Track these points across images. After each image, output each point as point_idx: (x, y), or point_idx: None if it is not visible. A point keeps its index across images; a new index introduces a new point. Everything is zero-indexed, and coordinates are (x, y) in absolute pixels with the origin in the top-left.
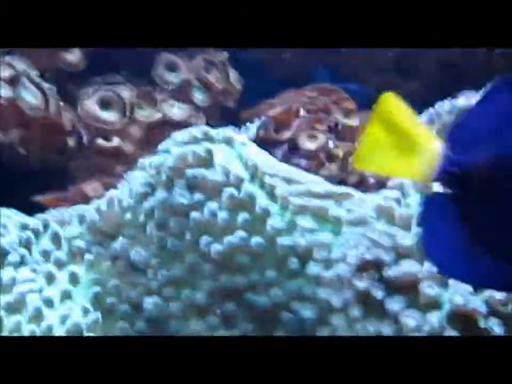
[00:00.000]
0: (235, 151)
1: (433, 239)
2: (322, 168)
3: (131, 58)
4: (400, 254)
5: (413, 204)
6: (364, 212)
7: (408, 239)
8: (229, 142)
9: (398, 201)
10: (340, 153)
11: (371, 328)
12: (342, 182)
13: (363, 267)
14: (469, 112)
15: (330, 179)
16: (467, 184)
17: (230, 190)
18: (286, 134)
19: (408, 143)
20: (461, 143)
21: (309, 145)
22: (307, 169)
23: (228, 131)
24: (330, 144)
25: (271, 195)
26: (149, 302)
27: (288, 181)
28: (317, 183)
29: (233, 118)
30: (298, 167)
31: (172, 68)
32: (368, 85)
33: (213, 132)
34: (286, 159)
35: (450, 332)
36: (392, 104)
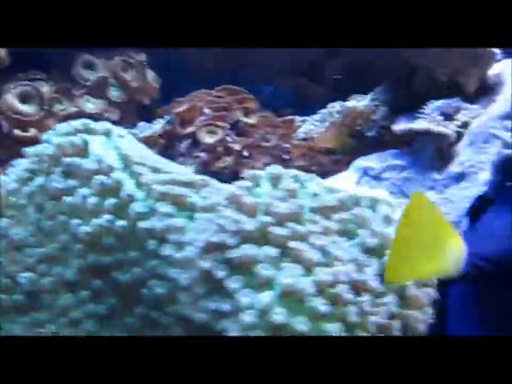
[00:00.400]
0: (112, 142)
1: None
2: (219, 161)
3: (55, 58)
4: (243, 238)
5: (263, 193)
6: (217, 199)
7: (251, 224)
8: (107, 134)
9: (248, 190)
10: (236, 147)
11: (213, 305)
12: (236, 173)
13: (209, 249)
14: (485, 213)
15: (226, 170)
16: (489, 273)
17: (100, 178)
18: (189, 129)
19: (435, 243)
20: (479, 237)
21: (208, 139)
22: (206, 161)
23: (107, 124)
24: (228, 139)
25: (138, 183)
26: (25, 277)
27: (156, 170)
28: (182, 173)
29: (148, 114)
30: (199, 159)
31: (90, 66)
32: (282, 87)
33: (93, 125)
34: (188, 151)
35: (279, 310)
36: (422, 203)
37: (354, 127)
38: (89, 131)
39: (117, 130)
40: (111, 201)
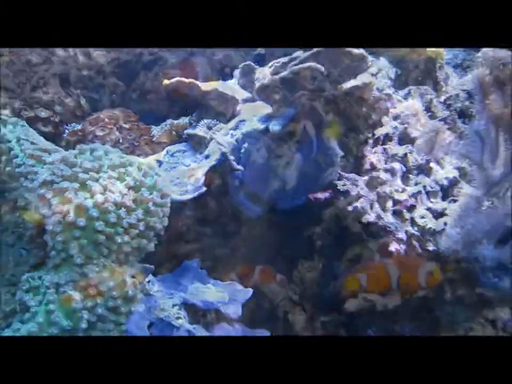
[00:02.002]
0: (14, 128)
1: None
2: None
3: None
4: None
5: (86, 158)
6: (57, 158)
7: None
8: (15, 123)
9: (75, 155)
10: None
11: None
12: None
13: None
14: None
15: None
16: None
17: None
18: (92, 128)
19: None
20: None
21: (100, 133)
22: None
23: (15, 118)
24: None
25: (21, 148)
26: None
27: (32, 143)
28: (47, 145)
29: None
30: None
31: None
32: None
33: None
34: (91, 139)
35: None
36: None
37: (178, 132)
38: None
39: (22, 122)
40: (4, 157)
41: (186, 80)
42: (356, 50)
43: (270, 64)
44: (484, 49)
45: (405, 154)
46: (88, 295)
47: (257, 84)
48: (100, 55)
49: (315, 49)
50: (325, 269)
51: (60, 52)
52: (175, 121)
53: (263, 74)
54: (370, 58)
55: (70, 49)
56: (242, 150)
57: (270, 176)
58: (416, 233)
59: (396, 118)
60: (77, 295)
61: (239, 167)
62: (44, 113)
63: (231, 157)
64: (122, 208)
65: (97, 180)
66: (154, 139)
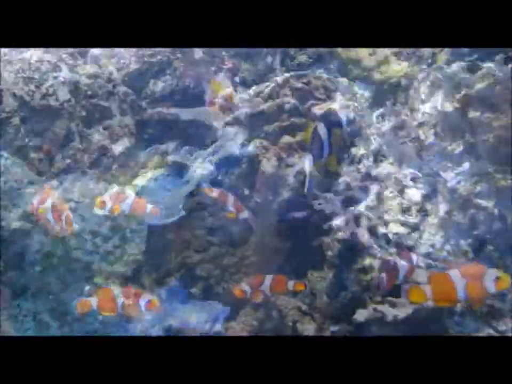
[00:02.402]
0: None
1: None
2: None
3: None
4: None
5: None
6: None
7: None
8: None
9: None
10: None
11: None
12: None
13: None
14: None
15: None
16: None
17: None
18: None
19: None
20: None
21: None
22: None
23: None
24: None
25: None
26: None
27: None
28: None
29: None
30: None
31: None
32: None
33: None
34: None
35: None
36: None
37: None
38: None
39: None
40: None
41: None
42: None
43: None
44: None
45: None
46: None
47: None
48: (109, 62)
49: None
50: (335, 279)
51: (70, 60)
52: (160, 146)
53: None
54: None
55: (79, 57)
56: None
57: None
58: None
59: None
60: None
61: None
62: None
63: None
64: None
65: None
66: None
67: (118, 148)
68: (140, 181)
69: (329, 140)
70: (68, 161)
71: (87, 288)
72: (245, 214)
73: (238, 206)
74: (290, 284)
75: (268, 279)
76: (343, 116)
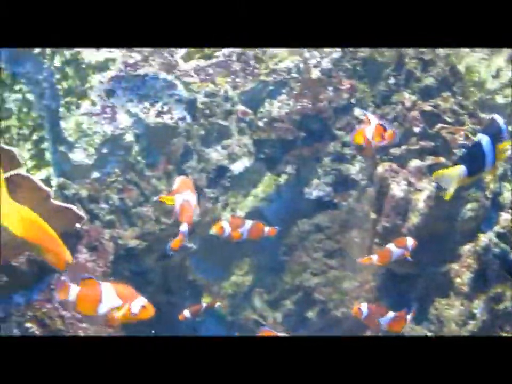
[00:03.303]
0: None
1: None
2: None
3: None
4: None
5: None
6: None
7: None
8: None
9: None
10: None
11: None
12: None
13: None
14: None
15: None
16: None
17: None
18: None
19: None
20: None
21: None
22: None
23: None
24: None
25: None
26: None
27: None
28: None
29: None
30: None
31: None
32: None
33: None
34: None
35: None
36: None
37: None
38: None
39: None
40: None
41: None
42: None
43: None
44: None
45: None
46: None
47: None
48: (224, 81)
49: None
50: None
51: (185, 78)
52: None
53: None
54: None
55: (195, 75)
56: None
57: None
58: None
59: None
60: None
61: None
62: None
63: None
64: None
65: None
66: None
67: (237, 168)
68: (252, 202)
69: (493, 151)
70: None
71: None
72: None
73: None
74: (266, 229)
75: (248, 223)
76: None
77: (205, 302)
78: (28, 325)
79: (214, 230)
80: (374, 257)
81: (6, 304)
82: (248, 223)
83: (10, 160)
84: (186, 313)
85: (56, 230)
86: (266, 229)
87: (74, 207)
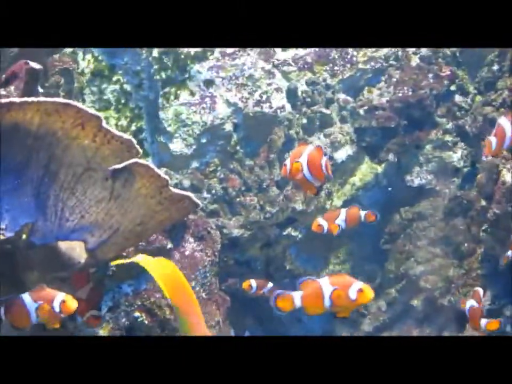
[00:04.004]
0: None
1: None
2: None
3: None
4: None
5: None
6: None
7: None
8: None
9: None
10: None
11: None
12: None
13: None
14: None
15: None
16: None
17: None
18: None
19: None
20: None
21: None
22: None
23: None
24: None
25: None
26: None
27: None
28: None
29: None
30: None
31: None
32: None
33: None
34: None
35: None
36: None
37: None
38: None
39: None
40: None
41: None
42: None
43: None
44: None
45: None
46: None
47: None
48: (323, 69)
49: None
50: None
51: (284, 67)
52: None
53: None
54: None
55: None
56: None
57: None
58: None
59: None
60: None
61: None
62: None
63: None
64: None
65: None
66: None
67: (340, 156)
68: (350, 190)
69: None
70: None
71: None
72: None
73: None
74: (363, 214)
75: (343, 212)
76: None
77: None
78: (136, 314)
79: (313, 229)
80: None
81: (114, 294)
82: (343, 212)
83: (129, 149)
84: (253, 283)
85: (173, 218)
86: (363, 213)
87: (191, 195)
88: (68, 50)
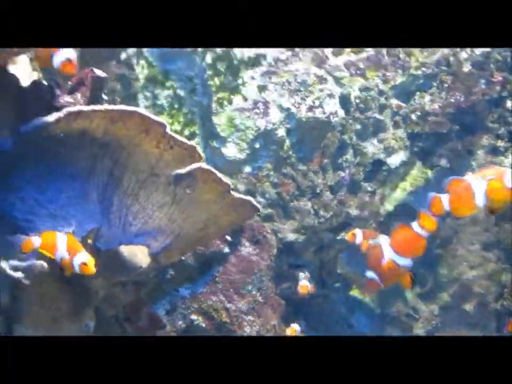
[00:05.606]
0: None
1: None
2: None
3: None
4: None
5: None
6: None
7: None
8: None
9: None
10: None
11: None
12: None
13: None
14: None
15: None
16: None
17: None
18: None
19: None
20: None
21: None
22: None
23: None
24: None
25: None
26: None
27: None
28: None
29: None
30: None
31: None
32: None
33: None
34: None
35: None
36: None
37: None
38: None
39: None
40: None
41: None
42: None
43: None
44: None
45: None
46: None
47: None
48: (375, 75)
49: None
50: None
51: (336, 72)
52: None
53: None
54: None
55: (345, 69)
56: None
57: None
58: None
59: None
60: None
61: None
62: None
63: None
64: None
65: None
66: None
67: (394, 161)
68: (401, 194)
69: None
70: (342, 174)
71: None
72: None
73: None
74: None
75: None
76: None
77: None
78: (193, 317)
79: (347, 237)
80: None
81: (172, 297)
82: (383, 239)
83: (191, 154)
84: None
85: (234, 223)
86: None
87: (252, 199)
88: (123, 56)
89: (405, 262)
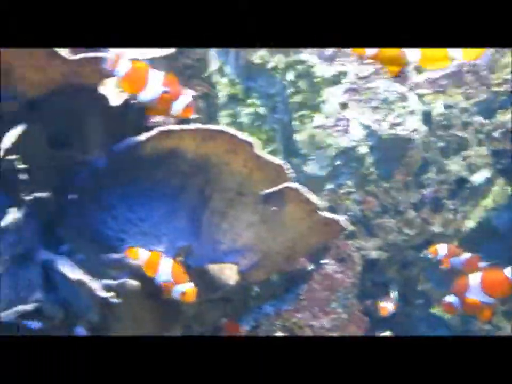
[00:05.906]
0: None
1: None
2: None
3: None
4: None
5: None
6: None
7: None
8: None
9: None
10: None
11: None
12: None
13: None
14: None
15: None
16: None
17: None
18: None
19: None
20: None
21: None
22: None
23: None
24: None
25: None
26: None
27: None
28: None
29: None
30: None
31: None
32: None
33: None
34: None
35: None
36: None
37: None
38: None
39: None
40: None
41: None
42: None
43: None
44: None
45: None
46: None
47: None
48: (457, 92)
49: None
50: None
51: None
52: None
53: None
54: None
55: (428, 86)
56: None
57: None
58: None
59: None
60: None
61: None
62: None
63: None
64: None
65: None
66: None
67: (477, 179)
68: (482, 212)
69: None
70: (424, 191)
71: None
72: None
73: None
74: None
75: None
76: None
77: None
78: (278, 334)
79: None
80: None
81: (256, 314)
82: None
83: (279, 173)
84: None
85: (320, 241)
86: (483, 264)
87: (340, 218)
88: (204, 74)
89: (489, 300)
